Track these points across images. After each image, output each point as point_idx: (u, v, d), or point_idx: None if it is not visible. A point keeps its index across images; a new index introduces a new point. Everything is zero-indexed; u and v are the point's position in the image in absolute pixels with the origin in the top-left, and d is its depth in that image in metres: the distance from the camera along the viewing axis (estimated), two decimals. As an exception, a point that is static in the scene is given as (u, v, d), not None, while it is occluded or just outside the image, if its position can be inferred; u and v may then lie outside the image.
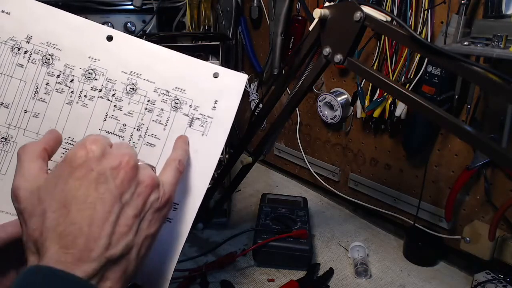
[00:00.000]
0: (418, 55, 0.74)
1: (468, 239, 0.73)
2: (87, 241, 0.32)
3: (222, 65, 0.82)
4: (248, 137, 0.67)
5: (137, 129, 0.45)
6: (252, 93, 1.17)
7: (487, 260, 0.71)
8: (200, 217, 0.81)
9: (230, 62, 1.15)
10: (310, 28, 0.54)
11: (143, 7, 1.07)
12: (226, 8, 1.10)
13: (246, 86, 1.17)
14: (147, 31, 1.10)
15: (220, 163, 0.87)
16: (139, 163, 0.38)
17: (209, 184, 0.45)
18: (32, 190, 0.35)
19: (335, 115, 0.93)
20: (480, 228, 0.72)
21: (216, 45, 0.82)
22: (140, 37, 1.11)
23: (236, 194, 1.03)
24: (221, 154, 0.87)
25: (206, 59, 0.83)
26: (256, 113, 0.69)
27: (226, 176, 0.75)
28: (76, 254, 0.31)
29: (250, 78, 1.17)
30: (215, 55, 0.84)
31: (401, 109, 0.78)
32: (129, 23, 1.09)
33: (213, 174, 0.86)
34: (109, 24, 1.07)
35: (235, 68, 1.18)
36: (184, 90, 0.45)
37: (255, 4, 1.06)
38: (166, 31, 1.18)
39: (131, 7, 1.07)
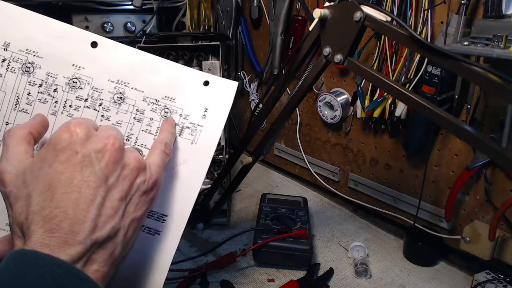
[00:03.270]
0: (418, 55, 0.74)
1: (468, 239, 0.73)
2: (72, 224, 0.32)
3: (222, 65, 0.82)
4: (248, 137, 0.67)
5: (127, 139, 0.44)
6: (252, 93, 1.17)
7: (487, 260, 0.71)
8: (200, 217, 0.81)
9: (230, 62, 1.14)
10: (310, 28, 0.54)
11: (143, 7, 1.07)
12: (226, 8, 1.10)
13: (246, 86, 1.17)
14: (147, 31, 1.10)
15: (220, 163, 0.87)
16: (126, 146, 0.38)
17: (203, 189, 0.44)
18: (17, 173, 0.34)
19: (335, 115, 0.93)
20: (480, 228, 0.72)
21: (216, 45, 0.82)
22: (140, 37, 1.12)
23: (236, 194, 1.03)
24: (221, 154, 0.87)
25: (206, 59, 0.83)
26: (256, 113, 0.69)
27: (226, 176, 0.75)
28: (61, 238, 0.31)
29: (250, 78, 1.17)
30: (215, 55, 0.83)
31: (401, 109, 0.78)
32: (129, 23, 1.09)
33: (214, 174, 0.86)
34: (109, 24, 1.07)
35: (235, 68, 1.18)
36: (173, 99, 0.44)
37: (255, 4, 1.06)
38: (166, 31, 1.18)
39: (131, 7, 1.08)
